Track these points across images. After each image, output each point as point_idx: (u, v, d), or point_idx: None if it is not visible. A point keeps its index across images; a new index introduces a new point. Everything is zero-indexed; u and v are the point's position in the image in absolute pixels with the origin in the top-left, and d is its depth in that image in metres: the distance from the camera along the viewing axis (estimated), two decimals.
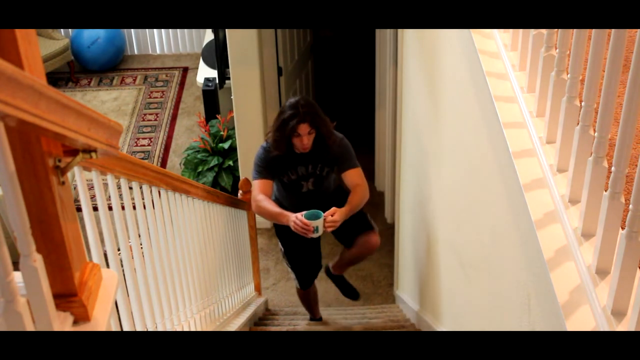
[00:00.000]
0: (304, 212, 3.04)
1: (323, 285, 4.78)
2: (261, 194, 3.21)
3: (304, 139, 3.13)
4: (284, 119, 3.10)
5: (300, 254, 3.67)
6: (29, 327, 0.98)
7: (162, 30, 7.55)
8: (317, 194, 3.40)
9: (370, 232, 3.47)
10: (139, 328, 1.91)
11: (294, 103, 3.12)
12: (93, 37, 7.08)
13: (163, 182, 2.27)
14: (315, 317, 4.24)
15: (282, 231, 3.51)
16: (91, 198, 1.61)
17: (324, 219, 3.02)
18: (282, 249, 3.70)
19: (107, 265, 1.72)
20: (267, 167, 3.26)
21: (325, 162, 3.32)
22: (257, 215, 4.29)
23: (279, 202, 3.41)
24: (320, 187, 3.39)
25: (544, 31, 1.74)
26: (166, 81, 7.31)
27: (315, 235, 3.02)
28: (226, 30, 4.92)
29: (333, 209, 3.06)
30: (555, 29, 1.68)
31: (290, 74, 5.37)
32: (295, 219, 3.00)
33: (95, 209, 1.68)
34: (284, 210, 3.10)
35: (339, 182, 3.46)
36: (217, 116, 5.69)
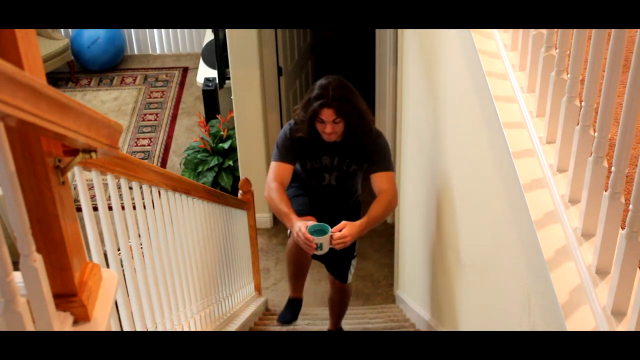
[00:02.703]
0: (309, 224, 2.59)
1: (323, 285, 4.78)
2: (275, 181, 2.76)
3: (327, 126, 2.67)
4: (310, 98, 2.66)
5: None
6: (29, 327, 0.98)
7: (162, 30, 7.55)
8: (339, 191, 2.98)
9: (339, 284, 3.25)
10: (139, 328, 1.91)
11: (325, 83, 2.64)
12: (93, 37, 7.08)
13: (163, 182, 2.27)
14: (296, 295, 3.27)
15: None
16: (91, 198, 1.61)
17: (331, 236, 2.57)
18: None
19: (107, 265, 1.72)
20: (290, 148, 2.80)
21: (354, 159, 2.86)
22: (257, 216, 4.31)
23: (296, 186, 2.98)
24: (343, 185, 2.96)
25: (544, 31, 1.74)
26: (166, 81, 7.31)
27: (319, 253, 2.60)
28: (226, 30, 4.92)
29: (343, 223, 2.60)
30: (555, 29, 1.68)
31: (290, 74, 5.37)
32: (299, 230, 2.55)
33: (95, 209, 1.68)
34: (291, 213, 2.67)
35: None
36: (217, 116, 5.69)
